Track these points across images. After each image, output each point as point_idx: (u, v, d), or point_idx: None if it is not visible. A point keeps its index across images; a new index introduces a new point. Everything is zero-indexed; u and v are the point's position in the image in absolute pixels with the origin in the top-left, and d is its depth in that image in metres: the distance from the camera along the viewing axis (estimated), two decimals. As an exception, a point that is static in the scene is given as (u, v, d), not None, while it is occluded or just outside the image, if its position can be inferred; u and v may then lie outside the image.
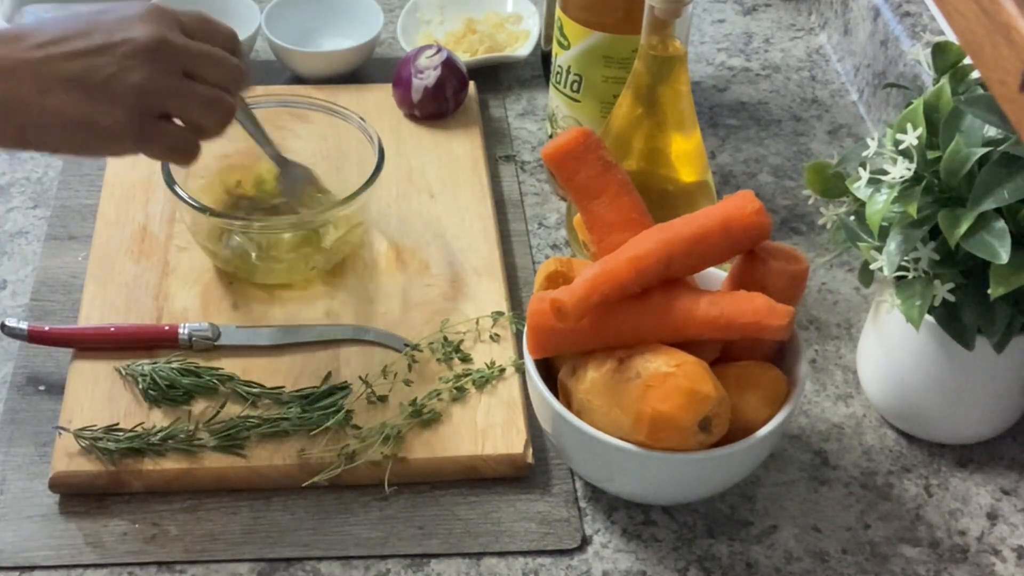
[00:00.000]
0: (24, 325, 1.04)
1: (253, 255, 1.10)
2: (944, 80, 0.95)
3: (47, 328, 1.04)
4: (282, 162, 1.08)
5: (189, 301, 1.09)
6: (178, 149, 0.90)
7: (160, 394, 1.00)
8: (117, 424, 0.98)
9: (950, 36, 1.14)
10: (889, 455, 1.03)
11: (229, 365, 1.03)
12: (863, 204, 0.93)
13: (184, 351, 1.04)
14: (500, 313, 1.09)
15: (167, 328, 1.05)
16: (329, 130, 1.16)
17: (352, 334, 1.07)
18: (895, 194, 0.91)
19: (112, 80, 0.86)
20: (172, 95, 0.88)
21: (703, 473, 0.92)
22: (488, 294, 1.11)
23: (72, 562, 0.93)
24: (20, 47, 0.85)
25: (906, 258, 0.91)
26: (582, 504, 0.99)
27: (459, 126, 1.27)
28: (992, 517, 0.99)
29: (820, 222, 1.02)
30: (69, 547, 0.94)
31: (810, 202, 1.07)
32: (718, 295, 0.91)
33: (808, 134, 1.33)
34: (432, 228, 1.17)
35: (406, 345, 1.06)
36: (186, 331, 1.05)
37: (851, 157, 0.99)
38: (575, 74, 1.17)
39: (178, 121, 0.90)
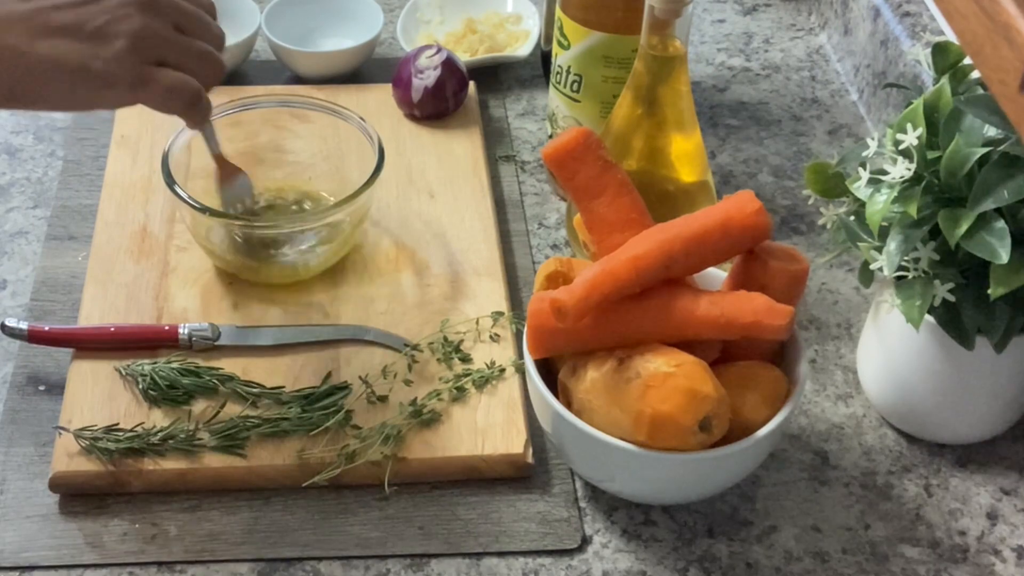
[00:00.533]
0: (24, 325, 1.04)
1: (253, 255, 1.10)
2: (944, 80, 0.95)
3: (47, 328, 1.04)
4: (223, 164, 1.07)
5: (189, 301, 1.09)
6: (176, 92, 0.89)
7: (160, 394, 1.00)
8: (117, 424, 0.98)
9: (950, 36, 1.14)
10: (889, 455, 1.03)
11: (229, 365, 1.03)
12: (863, 204, 0.93)
13: (184, 351, 1.04)
14: (500, 313, 1.09)
15: (167, 328, 1.05)
16: (329, 130, 1.16)
17: (352, 334, 1.07)
18: (895, 194, 0.91)
19: (106, 27, 0.86)
20: (166, 43, 0.88)
21: (703, 473, 0.92)
22: (488, 294, 1.11)
23: (72, 562, 0.93)
24: (8, 1, 0.85)
25: (906, 258, 0.91)
26: (582, 504, 0.99)
27: (459, 126, 1.27)
28: (992, 517, 0.99)
29: (820, 222, 1.02)
30: (69, 547, 0.94)
31: (810, 202, 1.07)
32: (718, 295, 0.91)
33: (808, 134, 1.33)
34: (432, 228, 1.17)
35: (406, 345, 1.06)
36: (186, 331, 1.05)
37: (851, 157, 0.99)
38: (575, 74, 1.17)
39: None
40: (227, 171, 1.07)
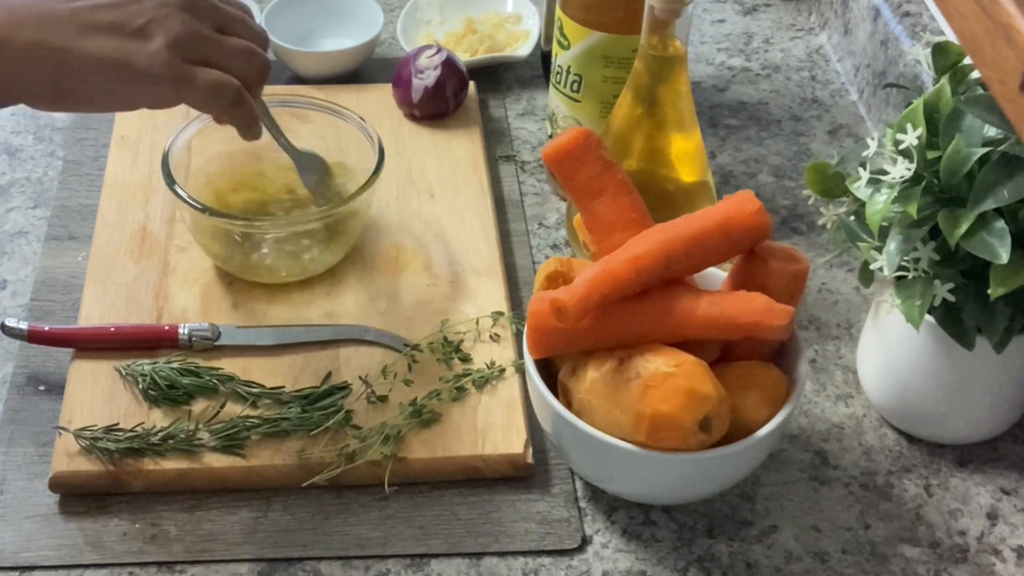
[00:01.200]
0: (24, 325, 1.04)
1: (253, 255, 1.10)
2: (944, 80, 0.95)
3: (47, 328, 1.04)
4: (295, 153, 1.08)
5: (189, 301, 1.09)
6: (218, 91, 0.90)
7: (160, 394, 1.00)
8: (117, 424, 0.98)
9: (950, 36, 1.14)
10: (889, 455, 1.03)
11: (229, 365, 1.03)
12: (863, 204, 0.93)
13: (184, 351, 1.04)
14: (500, 313, 1.09)
15: (167, 328, 1.05)
16: (329, 130, 1.16)
17: (352, 334, 1.07)
18: (895, 194, 0.91)
19: (148, 26, 0.87)
20: (207, 41, 0.90)
21: (703, 473, 0.92)
22: (488, 294, 1.11)
23: (72, 562, 0.93)
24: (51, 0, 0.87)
25: (906, 258, 0.91)
26: (582, 504, 0.99)
27: (459, 126, 1.27)
28: (992, 517, 0.99)
29: (820, 222, 1.02)
30: (69, 547, 0.94)
31: (810, 202, 1.07)
32: (718, 295, 0.91)
33: (808, 134, 1.33)
34: (432, 228, 1.17)
35: (406, 345, 1.06)
36: (186, 331, 1.05)
37: (851, 157, 0.99)
38: (575, 74, 1.17)
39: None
40: (303, 161, 1.08)
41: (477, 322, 1.08)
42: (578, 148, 0.94)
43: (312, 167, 1.10)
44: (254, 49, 0.93)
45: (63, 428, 0.98)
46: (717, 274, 0.99)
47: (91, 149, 1.25)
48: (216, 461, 0.97)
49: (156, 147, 1.21)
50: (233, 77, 0.91)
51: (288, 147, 1.07)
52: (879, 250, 0.94)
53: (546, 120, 1.27)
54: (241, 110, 0.92)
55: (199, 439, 0.98)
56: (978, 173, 0.88)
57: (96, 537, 0.95)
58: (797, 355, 0.95)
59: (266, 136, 1.16)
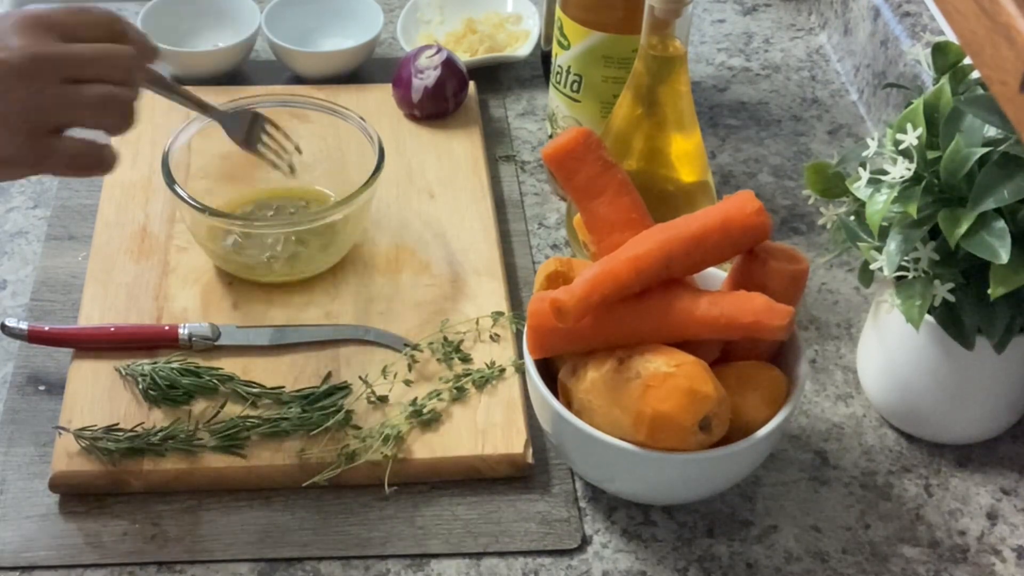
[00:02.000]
0: (24, 325, 1.04)
1: (253, 255, 1.10)
2: (944, 80, 0.95)
3: (47, 328, 1.04)
4: (220, 115, 1.05)
5: (189, 301, 1.09)
6: (80, 161, 0.85)
7: (160, 394, 1.00)
8: (117, 424, 0.98)
9: (950, 36, 1.14)
10: (889, 455, 1.03)
11: (229, 365, 1.03)
12: (863, 204, 0.93)
13: (184, 351, 1.04)
14: (500, 313, 1.09)
15: (167, 328, 1.05)
16: (329, 130, 1.16)
17: (352, 334, 1.07)
18: (895, 194, 0.91)
19: None
20: (58, 108, 0.83)
21: (703, 473, 0.92)
22: (488, 294, 1.11)
23: (72, 562, 0.93)
24: None
25: (906, 258, 0.91)
26: (582, 504, 0.99)
27: (459, 126, 1.27)
28: (992, 517, 0.99)
29: (820, 222, 1.02)
30: (69, 547, 0.94)
31: (810, 202, 1.07)
32: (718, 295, 0.91)
33: (808, 134, 1.33)
34: (432, 228, 1.17)
35: (406, 345, 1.06)
36: (186, 331, 1.05)
37: (851, 157, 0.99)
38: (575, 74, 1.17)
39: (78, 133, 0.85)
40: (228, 120, 1.06)
41: (477, 322, 1.08)
42: (578, 148, 0.94)
43: (236, 124, 1.06)
44: (112, 96, 0.84)
45: (63, 428, 0.98)
46: (717, 274, 0.99)
47: (91, 149, 1.25)
48: (216, 461, 0.97)
49: (156, 147, 1.21)
50: (93, 137, 0.84)
51: (210, 111, 1.03)
52: (879, 250, 0.94)
53: (546, 120, 1.27)
54: (103, 168, 0.87)
55: (199, 439, 0.98)
56: (978, 173, 0.88)
57: (96, 537, 0.95)
58: (797, 355, 0.95)
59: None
